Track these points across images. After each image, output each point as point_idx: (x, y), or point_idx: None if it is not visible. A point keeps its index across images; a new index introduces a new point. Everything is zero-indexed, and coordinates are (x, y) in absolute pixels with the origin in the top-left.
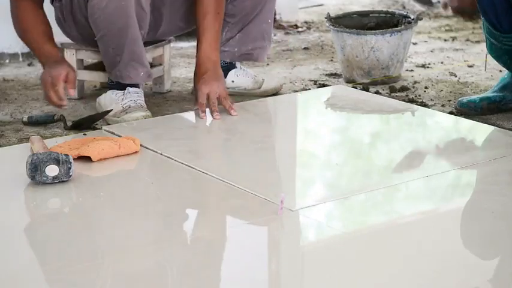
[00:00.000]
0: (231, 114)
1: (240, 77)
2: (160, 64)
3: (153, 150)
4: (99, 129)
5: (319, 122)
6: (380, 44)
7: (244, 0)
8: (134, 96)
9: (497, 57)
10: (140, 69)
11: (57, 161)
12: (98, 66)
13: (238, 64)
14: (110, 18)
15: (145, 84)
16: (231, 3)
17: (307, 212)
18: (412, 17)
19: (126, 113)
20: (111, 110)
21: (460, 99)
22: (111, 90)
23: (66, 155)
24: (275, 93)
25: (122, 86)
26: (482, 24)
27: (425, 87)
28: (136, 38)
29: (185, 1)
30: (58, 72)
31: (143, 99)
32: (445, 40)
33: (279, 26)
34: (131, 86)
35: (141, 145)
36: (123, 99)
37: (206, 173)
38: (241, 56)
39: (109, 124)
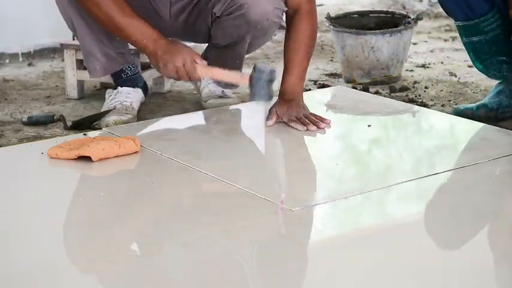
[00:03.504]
0: (318, 128)
1: None
2: None
3: (153, 151)
4: (99, 129)
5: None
6: (380, 44)
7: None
8: (123, 97)
9: (487, 64)
10: (96, 63)
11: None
12: None
13: None
14: (64, 18)
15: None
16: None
17: (307, 212)
18: (412, 17)
19: (108, 116)
20: (110, 110)
21: (456, 107)
22: (108, 90)
23: None
24: None
25: (116, 85)
26: (459, 35)
27: (425, 87)
28: (85, 33)
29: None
30: (188, 56)
31: (135, 99)
32: (445, 40)
33: (279, 26)
34: (124, 85)
35: (141, 145)
36: (112, 100)
37: (206, 173)
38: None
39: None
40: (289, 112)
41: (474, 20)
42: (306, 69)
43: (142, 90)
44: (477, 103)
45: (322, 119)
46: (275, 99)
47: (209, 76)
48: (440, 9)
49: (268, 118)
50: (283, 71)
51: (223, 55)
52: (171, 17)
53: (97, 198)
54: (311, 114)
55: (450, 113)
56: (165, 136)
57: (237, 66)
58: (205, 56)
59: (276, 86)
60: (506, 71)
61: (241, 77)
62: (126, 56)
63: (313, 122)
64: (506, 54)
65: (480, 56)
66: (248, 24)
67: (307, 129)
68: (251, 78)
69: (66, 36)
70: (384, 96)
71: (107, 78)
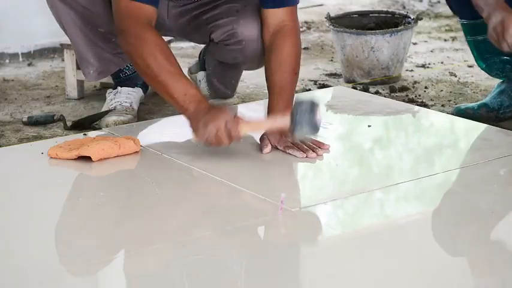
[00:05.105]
0: (317, 154)
1: None
2: None
3: (153, 151)
4: (99, 129)
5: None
6: (380, 44)
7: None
8: (123, 97)
9: (490, 63)
10: (90, 68)
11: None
12: None
13: None
14: (57, 22)
15: None
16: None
17: (306, 212)
18: (412, 17)
19: (108, 116)
20: (110, 111)
21: (457, 106)
22: (109, 89)
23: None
24: None
25: (115, 85)
26: (464, 33)
27: (425, 87)
28: (77, 38)
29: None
30: (230, 116)
31: (135, 99)
32: (445, 40)
33: None
34: (123, 84)
35: (141, 145)
36: (111, 100)
37: (206, 173)
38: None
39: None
40: (284, 139)
41: (481, 18)
42: (294, 93)
43: (142, 87)
44: (478, 102)
45: (320, 145)
46: (321, 130)
47: (252, 130)
48: (441, 9)
49: (262, 146)
50: (270, 96)
51: (220, 68)
52: (169, 18)
53: (97, 198)
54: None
55: (451, 113)
56: (165, 136)
57: (233, 84)
58: (203, 56)
59: (319, 116)
60: (510, 70)
61: (283, 118)
62: (122, 56)
63: (312, 148)
64: (509, 53)
65: (484, 55)
66: (244, 58)
67: (306, 156)
68: (292, 113)
69: (66, 36)
70: (384, 96)
71: (107, 78)
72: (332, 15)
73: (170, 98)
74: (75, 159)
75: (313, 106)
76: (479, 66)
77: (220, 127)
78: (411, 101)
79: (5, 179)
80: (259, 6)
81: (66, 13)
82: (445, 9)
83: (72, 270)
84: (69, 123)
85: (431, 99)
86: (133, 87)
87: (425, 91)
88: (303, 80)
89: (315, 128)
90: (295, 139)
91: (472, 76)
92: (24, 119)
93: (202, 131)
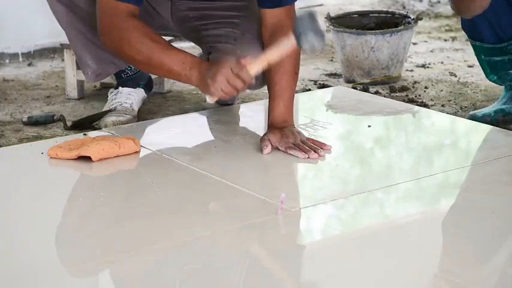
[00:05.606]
0: (319, 155)
1: None
2: None
3: (153, 151)
4: (99, 129)
5: (320, 123)
6: (380, 44)
7: None
8: (123, 98)
9: (502, 74)
10: (88, 69)
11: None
12: None
13: None
14: (58, 22)
15: None
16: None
17: (306, 212)
18: (412, 17)
19: (108, 117)
20: (110, 111)
21: (472, 113)
22: (111, 89)
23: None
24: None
25: (117, 85)
26: (476, 53)
27: (425, 87)
28: (76, 39)
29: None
30: (232, 61)
31: (135, 100)
32: (445, 40)
33: None
34: (125, 85)
35: (141, 145)
36: (112, 100)
37: (206, 173)
38: None
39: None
40: (285, 139)
41: (503, 43)
42: (294, 94)
43: (146, 87)
44: (493, 108)
45: (321, 145)
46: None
47: (261, 65)
48: (441, 9)
49: (262, 147)
50: (270, 96)
51: None
52: (173, 21)
53: (97, 198)
54: (308, 139)
55: (465, 118)
56: (165, 136)
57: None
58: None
59: (320, 25)
60: None
61: (286, 39)
62: None
63: (313, 149)
64: None
65: (498, 72)
66: None
67: (308, 157)
68: (293, 29)
69: (66, 36)
70: (384, 96)
71: (108, 79)
72: (332, 15)
73: (170, 73)
74: (75, 159)
75: (312, 15)
76: (490, 79)
77: (228, 74)
78: (411, 101)
79: (5, 179)
80: (258, 6)
81: (65, 14)
82: (445, 9)
83: (72, 270)
84: (69, 123)
85: (431, 99)
86: (134, 87)
87: (425, 91)
88: (303, 80)
89: (321, 34)
90: (307, 52)
91: (472, 76)
92: (24, 119)
93: (214, 87)
